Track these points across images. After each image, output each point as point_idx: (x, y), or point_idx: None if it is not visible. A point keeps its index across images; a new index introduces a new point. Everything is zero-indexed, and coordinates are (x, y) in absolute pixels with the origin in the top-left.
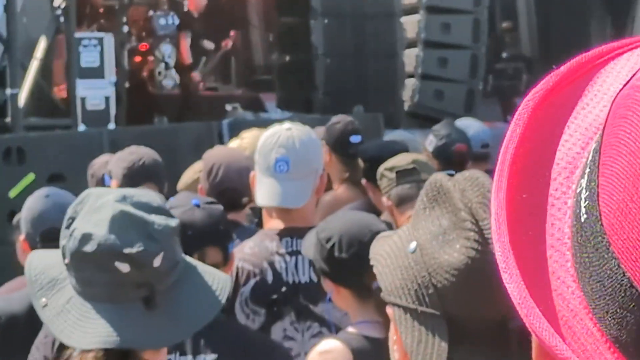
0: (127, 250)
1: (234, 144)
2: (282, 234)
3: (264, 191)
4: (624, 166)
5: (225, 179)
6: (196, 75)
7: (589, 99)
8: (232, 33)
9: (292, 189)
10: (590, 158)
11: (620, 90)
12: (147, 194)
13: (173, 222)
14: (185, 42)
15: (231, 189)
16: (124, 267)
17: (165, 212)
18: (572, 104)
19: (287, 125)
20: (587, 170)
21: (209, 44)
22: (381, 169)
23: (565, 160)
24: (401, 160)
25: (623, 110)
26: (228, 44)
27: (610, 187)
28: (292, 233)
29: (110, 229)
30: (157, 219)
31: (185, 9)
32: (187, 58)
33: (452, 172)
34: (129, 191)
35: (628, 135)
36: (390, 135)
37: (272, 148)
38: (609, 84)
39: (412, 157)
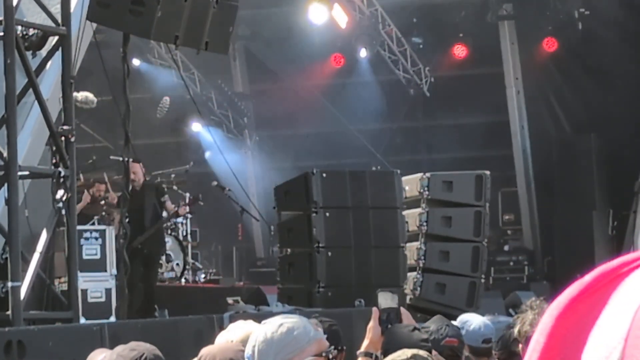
0: None
1: (221, 337)
2: None
3: None
4: None
5: None
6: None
7: (613, 309)
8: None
9: None
10: None
11: None
12: None
13: None
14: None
15: None
16: None
17: None
18: (597, 313)
19: (266, 320)
20: None
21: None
22: None
23: None
24: (401, 355)
25: None
26: (184, 209)
27: None
28: None
29: None
30: None
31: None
32: None
33: None
34: None
35: None
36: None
37: (247, 345)
38: (632, 296)
39: (412, 351)
